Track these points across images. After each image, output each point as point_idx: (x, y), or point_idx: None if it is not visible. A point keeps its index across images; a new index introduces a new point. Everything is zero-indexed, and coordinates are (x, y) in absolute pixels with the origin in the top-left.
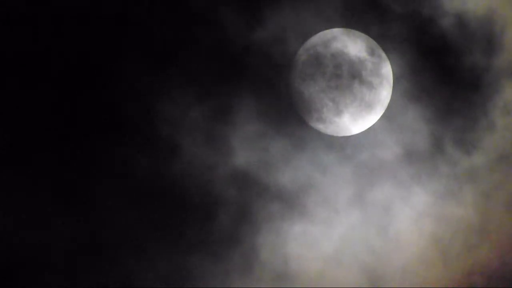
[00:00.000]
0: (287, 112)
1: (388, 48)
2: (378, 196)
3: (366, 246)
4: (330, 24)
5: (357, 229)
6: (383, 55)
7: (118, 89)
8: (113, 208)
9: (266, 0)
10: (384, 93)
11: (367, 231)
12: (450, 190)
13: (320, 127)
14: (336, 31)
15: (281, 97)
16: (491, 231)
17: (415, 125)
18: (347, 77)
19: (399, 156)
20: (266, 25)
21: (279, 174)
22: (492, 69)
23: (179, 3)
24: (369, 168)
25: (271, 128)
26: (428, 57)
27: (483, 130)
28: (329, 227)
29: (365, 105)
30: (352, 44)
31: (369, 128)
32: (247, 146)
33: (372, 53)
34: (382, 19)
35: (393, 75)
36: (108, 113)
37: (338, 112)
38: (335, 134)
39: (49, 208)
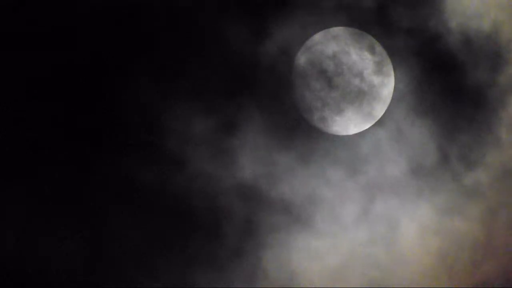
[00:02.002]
0: (294, 125)
1: (393, 63)
2: (383, 210)
3: (371, 261)
4: None
5: (363, 243)
6: (384, 53)
7: (124, 101)
8: (118, 220)
9: (272, 12)
10: (385, 92)
11: (372, 245)
12: (456, 205)
13: (322, 126)
14: (337, 30)
15: (288, 110)
16: (497, 247)
17: (421, 140)
18: (348, 76)
19: (404, 171)
20: (272, 37)
21: (285, 187)
22: (498, 85)
23: (185, 16)
24: (375, 183)
25: (278, 141)
26: (433, 72)
27: (488, 146)
28: (334, 241)
29: (367, 104)
30: (352, 43)
31: (375, 143)
32: (253, 159)
33: (373, 51)
34: (387, 34)
35: (394, 75)
36: (113, 125)
37: (339, 111)
38: (337, 134)
39: (52, 219)
